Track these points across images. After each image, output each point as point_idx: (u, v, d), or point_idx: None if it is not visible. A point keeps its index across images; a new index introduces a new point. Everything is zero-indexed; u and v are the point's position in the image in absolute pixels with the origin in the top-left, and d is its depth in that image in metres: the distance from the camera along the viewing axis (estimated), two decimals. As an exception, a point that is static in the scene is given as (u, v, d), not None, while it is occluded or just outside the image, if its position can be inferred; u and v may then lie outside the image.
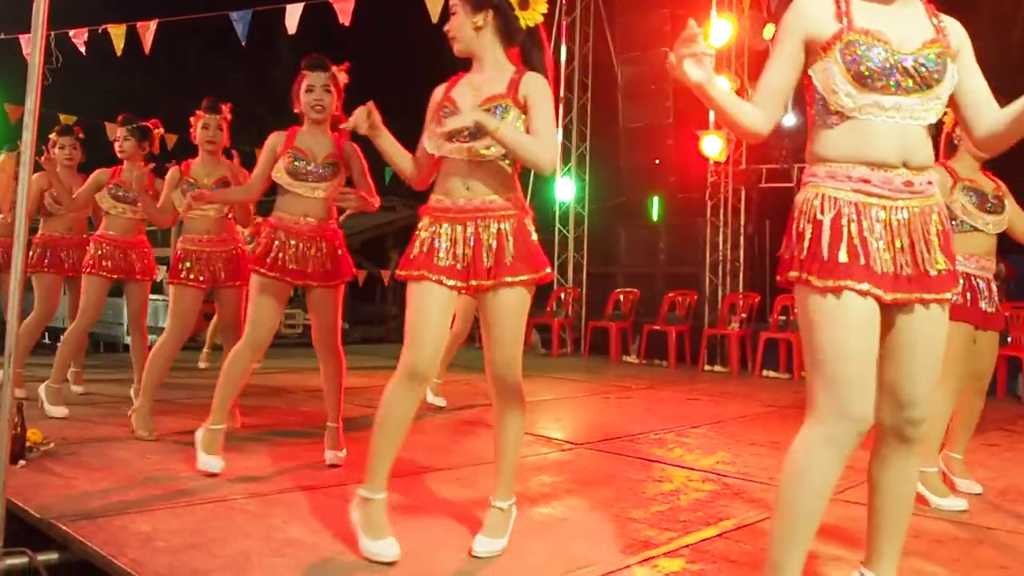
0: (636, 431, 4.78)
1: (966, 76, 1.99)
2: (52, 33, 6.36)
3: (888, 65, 1.88)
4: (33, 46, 2.24)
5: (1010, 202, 3.44)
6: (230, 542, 2.52)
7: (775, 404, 6.16)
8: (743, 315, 8.82)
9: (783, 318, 8.37)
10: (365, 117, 2.51)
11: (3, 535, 2.30)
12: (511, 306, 2.47)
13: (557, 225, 10.80)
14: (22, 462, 3.34)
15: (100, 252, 4.63)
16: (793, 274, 1.94)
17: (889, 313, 1.95)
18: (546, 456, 4.07)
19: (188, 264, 4.09)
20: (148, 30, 6.39)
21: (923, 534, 2.89)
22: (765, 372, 8.27)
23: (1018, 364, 6.65)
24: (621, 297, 9.81)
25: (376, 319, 12.42)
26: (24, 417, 3.46)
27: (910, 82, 1.89)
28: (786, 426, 5.11)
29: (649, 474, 3.71)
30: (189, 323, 4.14)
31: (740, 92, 9.28)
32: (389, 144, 2.62)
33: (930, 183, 1.96)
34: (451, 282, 2.45)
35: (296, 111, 3.59)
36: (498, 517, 2.58)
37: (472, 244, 2.46)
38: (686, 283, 9.66)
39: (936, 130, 2.09)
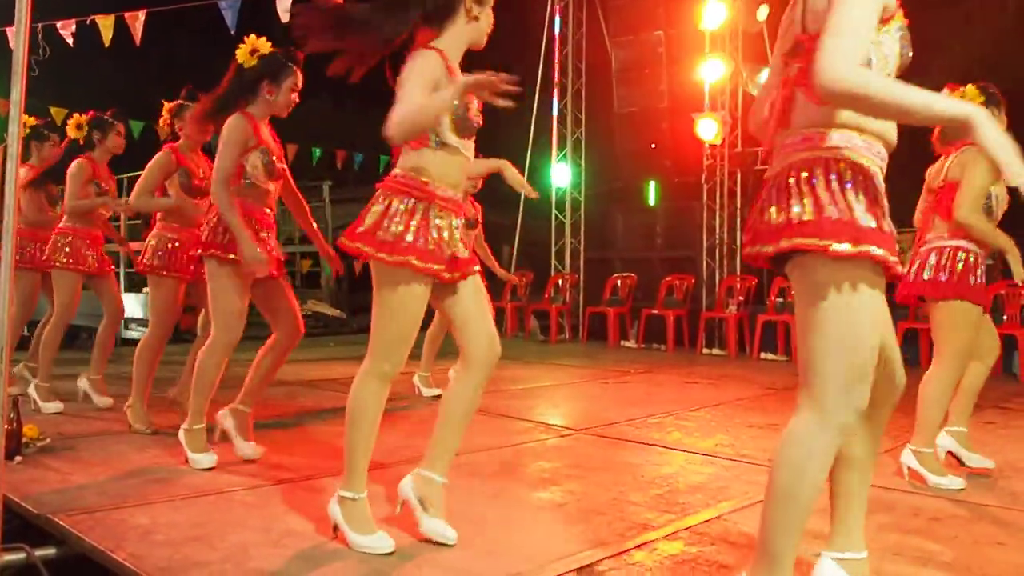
0: (635, 415, 4.79)
1: None
2: (39, 25, 6.31)
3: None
4: (17, 37, 2.22)
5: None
6: (229, 534, 2.52)
7: (773, 386, 6.16)
8: (740, 298, 8.82)
9: (780, 300, 8.36)
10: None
11: (1, 531, 2.29)
12: (478, 287, 2.58)
13: (554, 211, 10.77)
14: (18, 458, 3.34)
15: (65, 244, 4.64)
16: (847, 246, 1.73)
17: None
18: (544, 442, 4.07)
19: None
20: (137, 20, 6.34)
21: (921, 512, 2.90)
22: (763, 354, 8.28)
23: (1014, 342, 6.66)
24: (619, 282, 9.80)
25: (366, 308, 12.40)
26: (20, 412, 3.46)
27: None
28: (784, 408, 5.12)
29: (648, 458, 3.71)
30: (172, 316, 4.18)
31: (734, 75, 9.25)
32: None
33: None
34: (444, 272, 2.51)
35: (268, 97, 3.45)
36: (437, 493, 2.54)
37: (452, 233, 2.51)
38: (683, 267, 9.65)
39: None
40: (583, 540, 2.55)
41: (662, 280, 9.39)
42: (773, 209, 1.85)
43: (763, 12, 9.10)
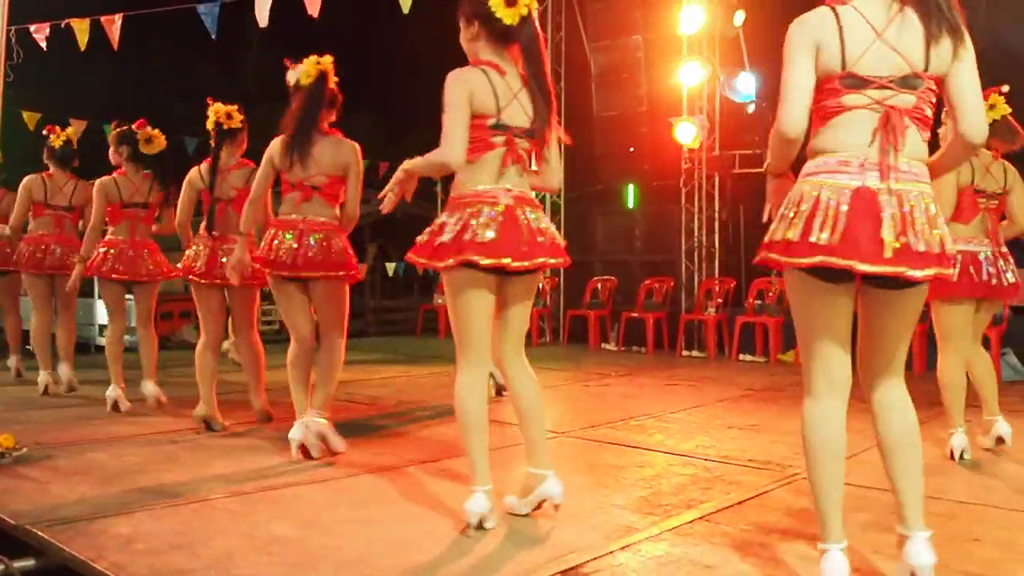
0: (616, 418, 4.81)
1: None
2: (12, 29, 6.22)
3: None
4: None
5: None
6: (213, 541, 2.51)
7: (752, 388, 6.21)
8: (719, 300, 8.88)
9: (758, 302, 8.44)
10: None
11: (-21, 542, 2.27)
12: (527, 289, 2.85)
13: (533, 214, 10.76)
14: (-5, 467, 3.30)
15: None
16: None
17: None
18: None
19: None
20: (113, 24, 6.27)
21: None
22: (742, 356, 8.34)
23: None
24: (599, 285, 9.84)
25: (355, 313, 12.36)
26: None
27: None
28: (764, 409, 5.16)
29: (630, 460, 3.73)
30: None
31: (711, 79, 9.32)
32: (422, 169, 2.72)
33: None
34: (523, 263, 2.68)
35: None
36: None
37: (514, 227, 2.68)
38: (662, 269, 9.70)
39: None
40: (567, 542, 2.56)
41: (642, 283, 9.44)
42: (916, 234, 2.02)
43: (739, 17, 9.19)
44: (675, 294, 9.47)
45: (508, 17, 2.62)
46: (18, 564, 2.40)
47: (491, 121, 2.64)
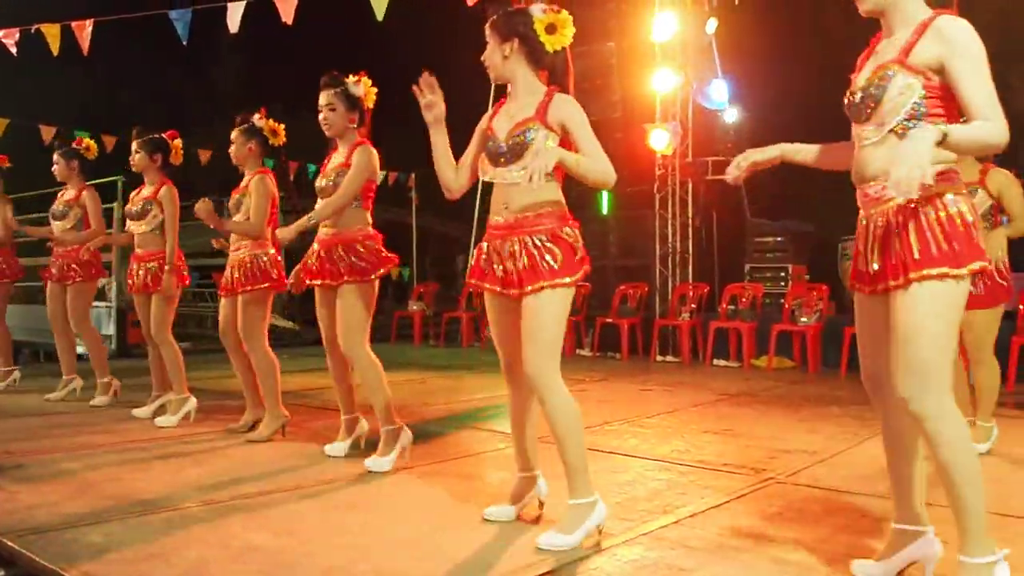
0: (592, 423, 4.83)
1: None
2: (-19, 35, 6.15)
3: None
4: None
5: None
6: (187, 550, 2.49)
7: (726, 392, 6.27)
8: (693, 305, 8.95)
9: (732, 307, 8.52)
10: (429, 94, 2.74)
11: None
12: (529, 310, 2.64)
13: (508, 221, 10.79)
14: (-36, 478, 3.25)
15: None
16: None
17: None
18: (504, 451, 4.09)
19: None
20: (84, 29, 6.21)
21: (868, 514, 2.98)
22: (715, 361, 8.41)
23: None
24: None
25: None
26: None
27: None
28: (738, 413, 5.22)
29: (605, 465, 3.75)
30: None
31: (684, 86, 9.42)
32: (443, 142, 2.82)
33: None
34: (498, 289, 2.71)
35: None
36: (568, 513, 2.65)
37: (507, 256, 2.67)
38: (637, 275, 9.76)
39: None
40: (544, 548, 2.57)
41: (616, 288, 9.49)
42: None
43: (712, 25, 9.31)
44: (649, 299, 9.54)
45: (549, 44, 2.70)
46: (-12, 576, 2.37)
47: None
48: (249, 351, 4.23)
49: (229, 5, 6.11)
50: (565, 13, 2.72)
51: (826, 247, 9.11)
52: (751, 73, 10.10)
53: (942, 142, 1.95)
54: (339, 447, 3.89)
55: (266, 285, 4.16)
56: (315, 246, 3.74)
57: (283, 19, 5.90)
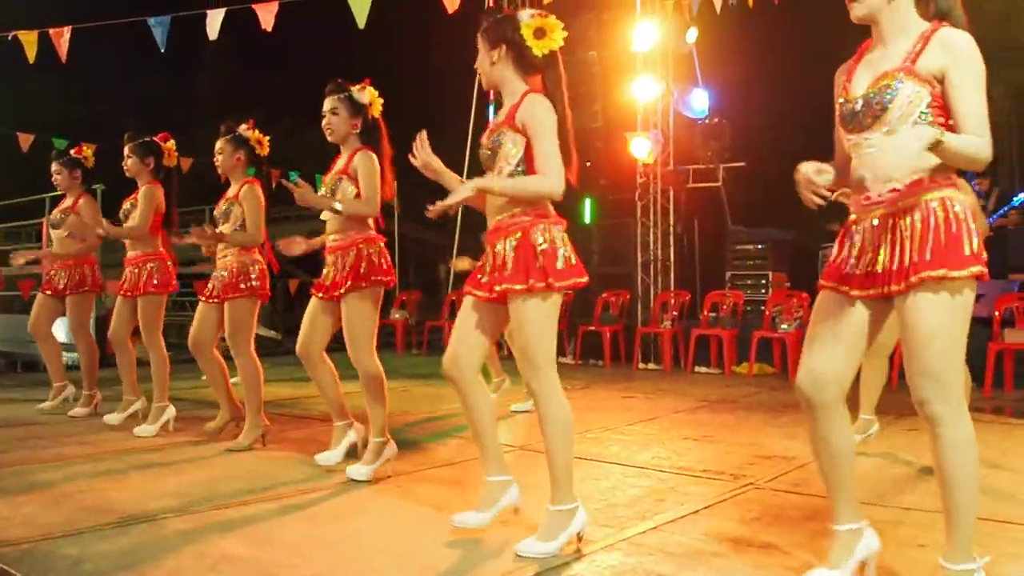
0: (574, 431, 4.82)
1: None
2: (-43, 42, 6.09)
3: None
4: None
5: None
6: (163, 561, 2.47)
7: (707, 399, 6.29)
8: (675, 313, 8.99)
9: (713, 315, 8.56)
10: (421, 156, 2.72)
11: (-82, 566, 2.21)
12: (514, 315, 2.66)
13: (490, 229, 10.80)
14: (-63, 489, 3.20)
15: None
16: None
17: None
18: (485, 459, 4.08)
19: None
20: (62, 36, 6.17)
21: (848, 518, 3.00)
22: (697, 368, 8.44)
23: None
24: (556, 299, 9.87)
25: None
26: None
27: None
28: (718, 420, 5.24)
29: (586, 472, 3.76)
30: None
31: (665, 95, 9.48)
32: (449, 180, 2.79)
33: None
34: (479, 293, 2.73)
35: None
36: (549, 519, 2.63)
37: (490, 259, 2.72)
38: (619, 283, 9.78)
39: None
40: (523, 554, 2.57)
41: (598, 296, 9.52)
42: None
43: (692, 34, 9.38)
44: (631, 307, 9.57)
45: (537, 48, 2.72)
46: (-40, 589, 2.34)
47: None
48: (235, 356, 4.22)
49: (208, 12, 6.09)
50: (554, 18, 2.73)
51: (806, 254, 9.18)
52: (731, 82, 10.18)
53: (935, 147, 1.97)
54: (331, 456, 3.85)
55: (253, 287, 4.15)
56: (329, 257, 3.70)
57: (263, 26, 5.90)
